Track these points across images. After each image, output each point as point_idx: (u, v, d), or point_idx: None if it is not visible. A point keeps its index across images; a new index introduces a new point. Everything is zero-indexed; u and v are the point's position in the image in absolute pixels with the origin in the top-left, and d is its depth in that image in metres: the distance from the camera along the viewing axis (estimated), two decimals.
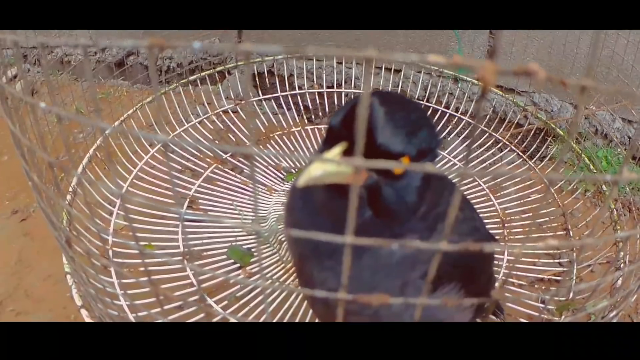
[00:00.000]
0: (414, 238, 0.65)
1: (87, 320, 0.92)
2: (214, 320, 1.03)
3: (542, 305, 1.13)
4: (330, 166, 0.53)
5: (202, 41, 0.29)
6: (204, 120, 1.50)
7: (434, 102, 1.61)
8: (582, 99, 0.35)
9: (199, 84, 1.61)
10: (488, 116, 1.60)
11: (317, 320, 1.04)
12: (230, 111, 1.54)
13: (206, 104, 1.54)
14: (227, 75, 1.70)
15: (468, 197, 1.22)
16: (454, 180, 0.95)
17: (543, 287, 1.19)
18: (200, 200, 1.29)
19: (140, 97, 1.66)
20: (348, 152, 0.56)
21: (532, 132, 1.53)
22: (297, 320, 1.05)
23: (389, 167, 0.31)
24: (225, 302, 1.07)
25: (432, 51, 1.63)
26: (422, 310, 0.54)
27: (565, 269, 1.24)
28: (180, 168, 1.37)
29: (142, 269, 1.13)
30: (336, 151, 0.56)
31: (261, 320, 1.04)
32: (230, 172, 1.38)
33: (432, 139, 0.60)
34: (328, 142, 0.58)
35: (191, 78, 1.54)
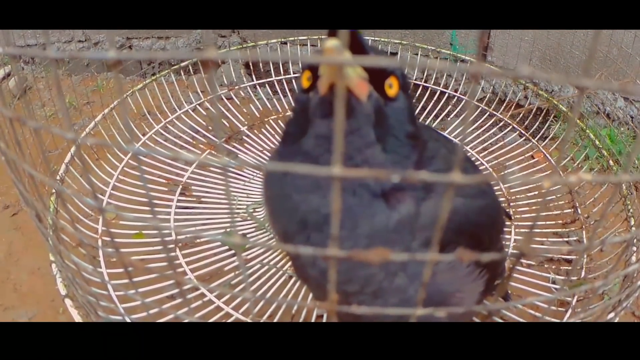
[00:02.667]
0: (412, 197, 0.56)
1: (72, 309, 0.84)
2: (209, 309, 0.95)
3: (553, 285, 1.05)
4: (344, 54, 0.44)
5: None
6: (198, 107, 1.42)
7: (432, 83, 1.52)
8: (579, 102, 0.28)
9: (192, 73, 1.53)
10: (488, 97, 1.51)
11: (316, 306, 0.96)
12: (224, 97, 1.45)
13: (199, 92, 1.46)
14: (220, 63, 1.62)
15: None
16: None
17: (553, 267, 1.11)
18: (193, 187, 1.21)
19: (132, 87, 1.57)
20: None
21: (533, 112, 1.45)
22: (295, 307, 0.96)
23: (389, 65, 0.22)
24: (218, 292, 0.98)
25: (427, 34, 1.55)
26: (427, 285, 0.46)
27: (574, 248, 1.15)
28: (172, 155, 1.29)
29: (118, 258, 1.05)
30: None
31: (256, 308, 0.96)
32: (225, 157, 1.29)
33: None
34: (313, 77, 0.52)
35: (182, 64, 1.46)
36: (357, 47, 0.48)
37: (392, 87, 0.54)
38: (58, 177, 1.10)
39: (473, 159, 1.30)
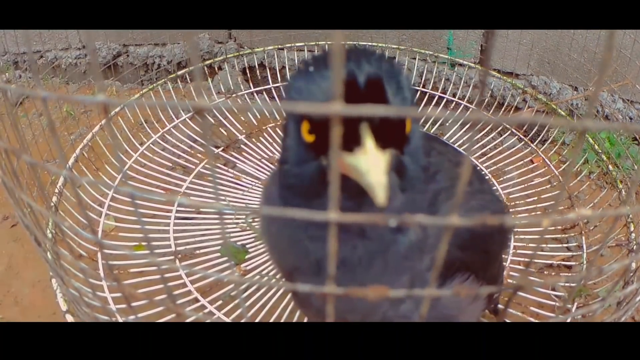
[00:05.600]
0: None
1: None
2: (209, 321, 0.95)
3: (552, 292, 1.05)
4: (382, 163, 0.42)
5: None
6: (195, 115, 1.42)
7: (430, 87, 1.52)
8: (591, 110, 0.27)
9: (189, 80, 1.53)
10: (486, 101, 1.51)
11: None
12: (221, 105, 1.45)
13: (197, 100, 1.46)
14: (217, 70, 1.61)
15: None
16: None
17: (552, 273, 1.11)
18: (191, 197, 1.21)
19: (129, 96, 1.57)
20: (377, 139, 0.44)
21: (532, 115, 1.45)
22: (295, 319, 0.96)
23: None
24: (220, 302, 0.98)
25: (424, 39, 1.55)
26: (430, 307, 0.45)
27: (573, 254, 1.15)
28: (171, 165, 1.29)
29: (118, 271, 1.05)
30: (370, 145, 0.43)
31: (257, 320, 0.96)
32: (223, 167, 1.29)
33: (409, 83, 0.50)
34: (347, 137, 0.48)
35: (179, 73, 1.46)
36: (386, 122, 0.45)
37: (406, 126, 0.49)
38: (57, 190, 1.10)
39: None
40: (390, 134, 0.45)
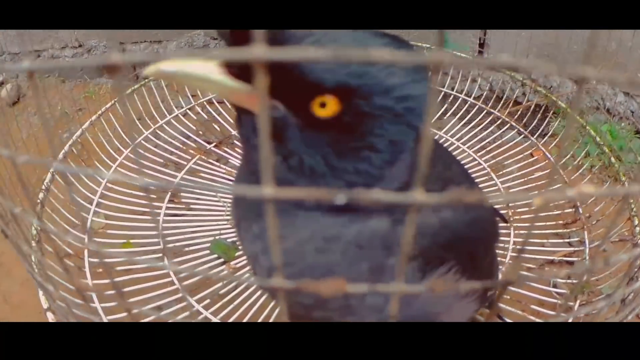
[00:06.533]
0: (386, 215, 0.49)
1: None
2: (196, 320, 0.90)
3: (554, 289, 1.00)
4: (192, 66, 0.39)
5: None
6: (188, 112, 1.37)
7: None
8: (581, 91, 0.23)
9: None
10: (485, 94, 1.46)
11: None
12: (215, 101, 1.41)
13: (190, 96, 1.41)
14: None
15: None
16: None
17: (554, 270, 1.05)
18: (182, 194, 1.16)
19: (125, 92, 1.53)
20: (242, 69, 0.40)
21: (532, 108, 1.39)
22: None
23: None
24: (208, 301, 0.94)
25: (422, 34, 1.49)
26: (405, 304, 0.40)
27: (576, 249, 1.10)
28: (162, 162, 1.24)
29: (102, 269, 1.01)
30: (218, 58, 0.38)
31: (246, 319, 0.91)
32: (215, 162, 1.25)
33: (410, 71, 0.42)
34: None
35: None
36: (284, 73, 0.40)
37: (324, 106, 0.41)
38: (44, 187, 1.05)
39: (470, 158, 1.24)
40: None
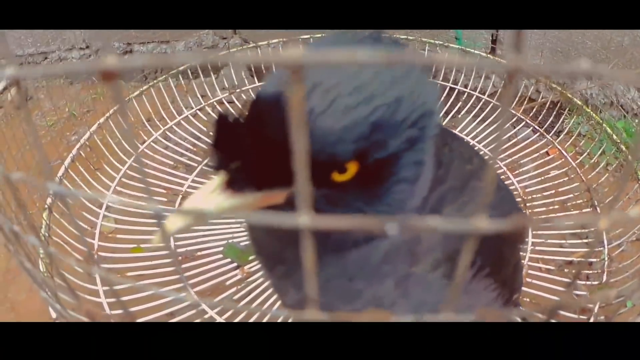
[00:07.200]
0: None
1: None
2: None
3: (574, 291, 0.97)
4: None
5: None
6: (198, 112, 1.34)
7: (440, 78, 1.44)
8: None
9: (191, 77, 1.45)
10: (499, 91, 1.43)
11: None
12: (225, 101, 1.38)
13: (199, 96, 1.38)
14: (221, 66, 1.54)
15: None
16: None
17: (573, 271, 1.02)
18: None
19: (133, 94, 1.50)
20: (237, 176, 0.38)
21: (546, 106, 1.36)
22: None
23: None
24: (221, 307, 0.91)
25: (434, 31, 1.46)
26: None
27: (594, 250, 1.07)
28: (172, 164, 1.22)
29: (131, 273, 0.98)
30: (214, 184, 0.38)
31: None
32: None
33: (417, 100, 0.38)
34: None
35: (181, 69, 1.39)
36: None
37: (344, 171, 0.38)
38: (49, 200, 1.02)
39: (485, 157, 1.21)
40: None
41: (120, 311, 0.89)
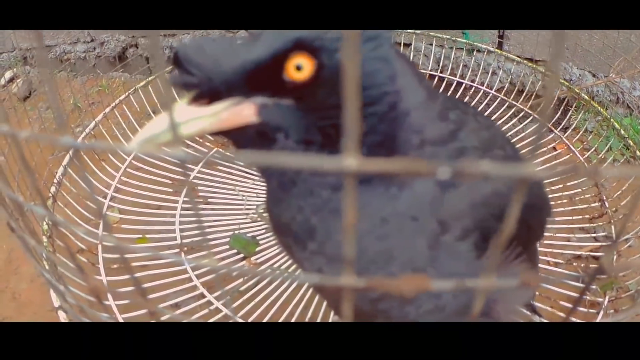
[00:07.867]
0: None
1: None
2: (215, 318, 0.86)
3: (582, 284, 0.95)
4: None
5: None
6: None
7: (448, 73, 1.42)
8: None
9: None
10: (506, 87, 1.41)
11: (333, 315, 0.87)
12: None
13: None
14: None
15: None
16: None
17: (582, 265, 1.01)
18: (200, 187, 1.12)
19: (136, 85, 1.49)
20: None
21: (553, 101, 1.35)
22: (309, 315, 0.87)
23: None
24: (228, 298, 0.90)
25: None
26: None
27: (602, 244, 1.05)
28: None
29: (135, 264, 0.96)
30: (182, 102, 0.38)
31: (267, 317, 0.87)
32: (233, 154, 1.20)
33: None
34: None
35: None
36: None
37: (301, 69, 0.38)
38: (55, 180, 1.01)
39: None
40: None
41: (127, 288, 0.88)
